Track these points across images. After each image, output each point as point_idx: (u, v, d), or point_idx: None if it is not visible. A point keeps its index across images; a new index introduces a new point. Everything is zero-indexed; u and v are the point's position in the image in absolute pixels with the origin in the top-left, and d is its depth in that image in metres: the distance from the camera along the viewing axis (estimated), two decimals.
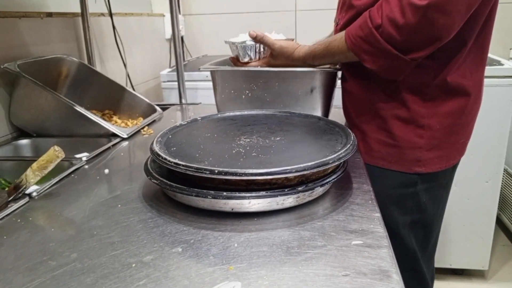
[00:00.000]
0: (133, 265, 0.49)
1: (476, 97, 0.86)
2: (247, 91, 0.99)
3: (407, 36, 0.72)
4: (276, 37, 1.02)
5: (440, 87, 0.82)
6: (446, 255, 1.78)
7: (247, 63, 1.01)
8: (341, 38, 0.82)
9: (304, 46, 0.92)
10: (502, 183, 1.67)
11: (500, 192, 1.69)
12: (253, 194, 0.59)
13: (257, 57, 1.01)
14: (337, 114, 1.09)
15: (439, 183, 0.91)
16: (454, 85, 0.82)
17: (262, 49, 1.00)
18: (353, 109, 0.93)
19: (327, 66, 0.98)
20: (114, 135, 1.03)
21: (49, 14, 1.22)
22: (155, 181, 0.64)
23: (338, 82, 1.06)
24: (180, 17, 2.28)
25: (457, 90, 0.82)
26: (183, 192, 0.60)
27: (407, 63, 0.76)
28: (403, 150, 0.86)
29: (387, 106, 0.85)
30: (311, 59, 0.90)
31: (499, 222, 2.11)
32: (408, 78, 0.81)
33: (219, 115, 0.91)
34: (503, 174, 1.77)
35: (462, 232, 1.73)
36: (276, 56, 0.94)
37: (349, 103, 0.95)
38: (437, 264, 1.10)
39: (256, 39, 0.97)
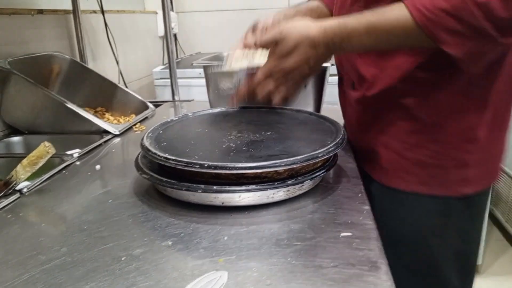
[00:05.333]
0: (123, 258, 0.49)
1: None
2: None
3: None
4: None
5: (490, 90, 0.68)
6: None
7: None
8: (401, 9, 0.59)
9: (326, 20, 0.65)
10: None
11: (493, 188, 1.70)
12: (243, 187, 0.60)
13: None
14: (328, 110, 1.10)
15: (482, 203, 0.79)
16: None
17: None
18: (379, 125, 0.74)
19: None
20: (106, 132, 1.02)
21: (40, 11, 1.22)
22: (145, 176, 0.64)
23: (331, 79, 1.07)
24: (173, 14, 2.28)
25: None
26: (174, 186, 0.61)
27: (495, 48, 0.62)
28: (448, 170, 0.71)
29: None
30: (341, 37, 0.63)
31: (493, 218, 2.12)
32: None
33: (210, 110, 0.91)
34: None
35: None
36: (284, 43, 0.65)
37: (371, 118, 0.75)
38: None
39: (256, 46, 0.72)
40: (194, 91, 1.63)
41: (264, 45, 0.70)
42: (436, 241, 0.75)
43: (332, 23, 0.63)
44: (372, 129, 0.75)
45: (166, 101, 1.45)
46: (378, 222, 0.57)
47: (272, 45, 0.67)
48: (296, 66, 0.66)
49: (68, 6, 1.34)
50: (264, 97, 0.71)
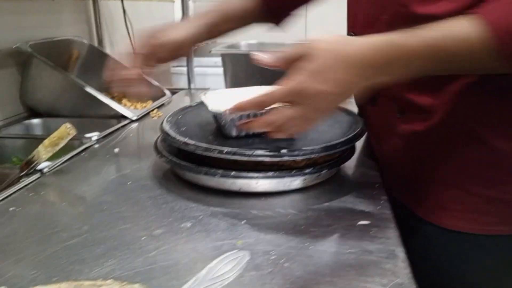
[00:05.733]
0: (143, 238, 0.50)
1: None
2: (258, 75, 1.00)
3: None
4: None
5: None
6: None
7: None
8: (471, 26, 0.45)
9: (367, 36, 0.49)
10: None
11: None
12: (261, 174, 0.60)
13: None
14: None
15: None
16: None
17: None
18: (442, 160, 0.62)
19: None
20: (124, 117, 1.03)
21: None
22: (164, 159, 0.65)
23: None
24: (190, 3, 2.28)
25: None
26: (192, 170, 0.61)
27: None
28: None
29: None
30: (388, 58, 0.48)
31: None
32: None
33: None
34: None
35: None
36: (311, 59, 0.49)
37: (429, 152, 0.62)
38: None
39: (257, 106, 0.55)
40: (209, 79, 1.63)
41: (287, 61, 0.52)
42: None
43: (376, 40, 0.48)
44: (430, 164, 0.62)
45: (182, 89, 1.46)
46: (438, 267, 0.55)
47: (296, 61, 0.51)
48: (320, 91, 0.49)
49: None
50: (276, 126, 0.54)
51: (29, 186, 0.67)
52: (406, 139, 0.64)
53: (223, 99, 0.70)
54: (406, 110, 0.62)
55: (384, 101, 0.66)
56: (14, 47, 1.01)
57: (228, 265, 0.41)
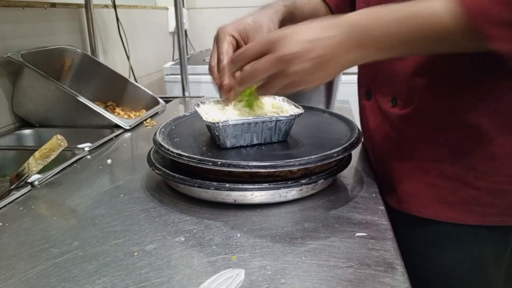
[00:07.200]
0: (136, 253, 0.49)
1: None
2: None
3: None
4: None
5: None
6: None
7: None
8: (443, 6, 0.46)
9: (339, 16, 0.52)
10: None
11: None
12: (256, 186, 0.59)
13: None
14: (339, 108, 1.09)
15: None
16: None
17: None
18: (437, 151, 0.61)
19: None
20: (117, 126, 1.02)
21: (53, 5, 1.22)
22: (157, 171, 0.64)
23: (344, 77, 1.06)
24: (183, 10, 2.28)
25: None
26: (186, 183, 0.60)
27: None
28: None
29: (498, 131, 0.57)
30: (368, 29, 0.50)
31: None
32: None
33: None
34: None
35: None
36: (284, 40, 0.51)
37: (421, 142, 0.62)
38: None
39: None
40: (204, 87, 1.63)
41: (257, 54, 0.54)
42: (494, 270, 0.65)
43: (354, 21, 0.51)
44: (424, 156, 0.62)
45: (176, 97, 1.45)
46: (425, 260, 0.58)
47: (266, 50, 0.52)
48: (300, 52, 0.50)
49: (81, 0, 1.34)
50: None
51: (19, 200, 0.65)
52: (397, 124, 0.65)
53: (216, 109, 0.69)
54: (398, 97, 0.64)
55: (379, 94, 0.69)
56: (5, 56, 1.00)
57: (222, 284, 0.39)
